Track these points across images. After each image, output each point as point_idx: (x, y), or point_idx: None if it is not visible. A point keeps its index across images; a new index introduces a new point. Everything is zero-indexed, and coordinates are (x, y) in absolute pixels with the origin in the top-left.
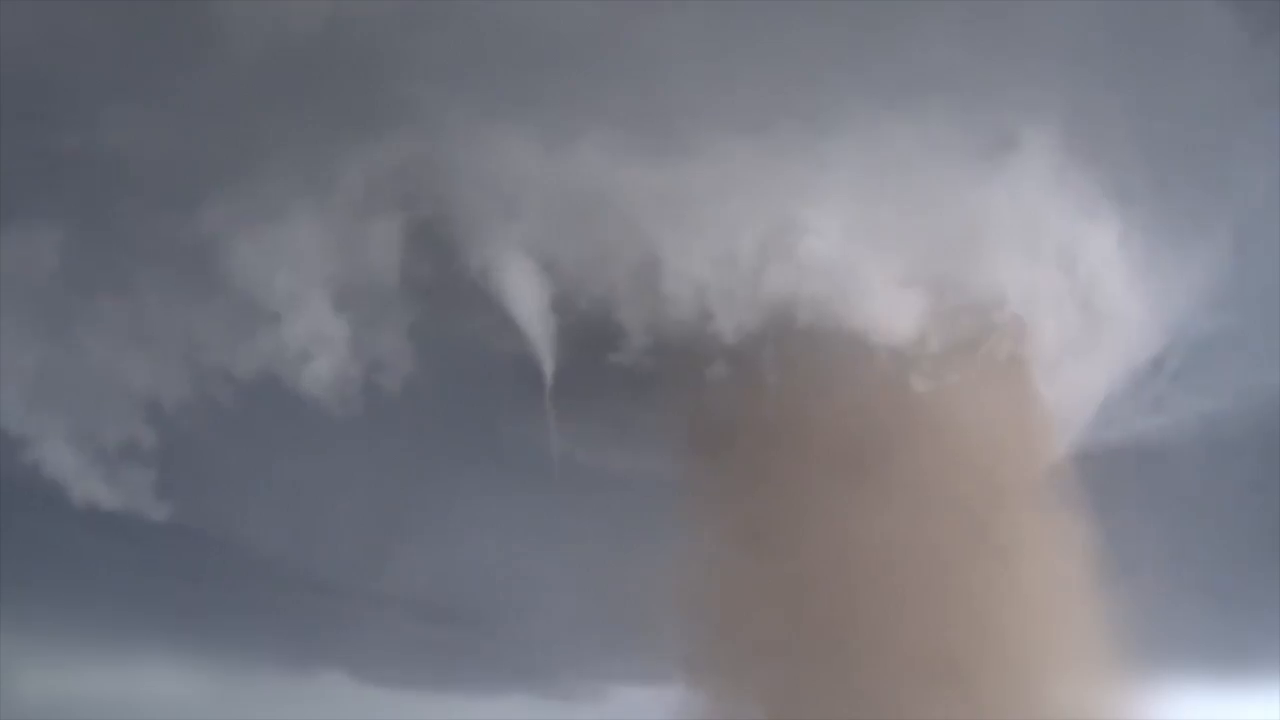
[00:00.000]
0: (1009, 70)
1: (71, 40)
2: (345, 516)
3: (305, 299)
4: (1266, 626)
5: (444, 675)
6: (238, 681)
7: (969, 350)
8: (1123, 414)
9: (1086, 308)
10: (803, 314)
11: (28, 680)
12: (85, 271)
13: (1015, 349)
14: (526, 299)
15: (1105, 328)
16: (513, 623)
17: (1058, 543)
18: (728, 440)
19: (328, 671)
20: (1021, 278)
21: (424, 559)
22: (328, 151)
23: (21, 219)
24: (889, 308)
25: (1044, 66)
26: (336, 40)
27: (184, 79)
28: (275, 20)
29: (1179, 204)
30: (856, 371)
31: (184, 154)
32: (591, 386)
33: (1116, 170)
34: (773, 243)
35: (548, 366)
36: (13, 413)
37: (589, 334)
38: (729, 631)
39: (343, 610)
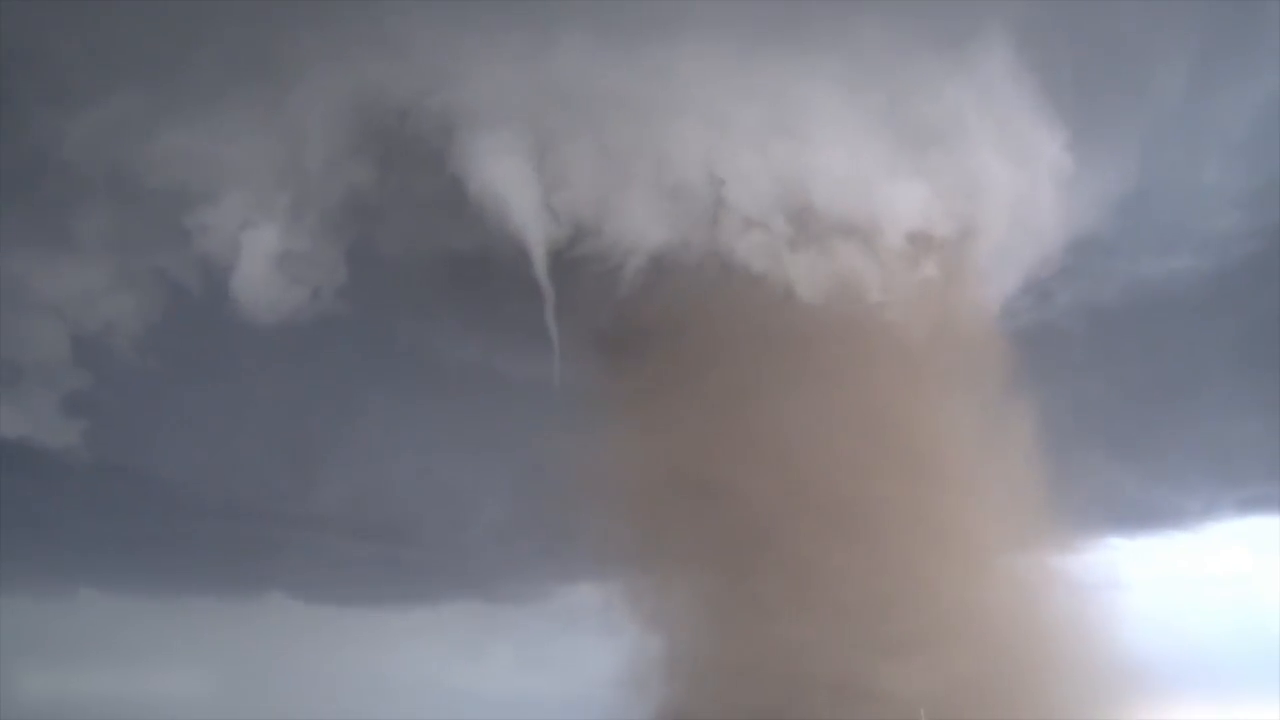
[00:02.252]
0: None
1: None
2: (272, 438)
3: (241, 196)
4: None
5: (387, 589)
6: (180, 610)
7: (933, 244)
8: (1028, 303)
9: (1027, 204)
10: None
11: None
12: None
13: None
14: (512, 198)
15: (1033, 226)
16: (451, 533)
17: (991, 415)
18: (674, 338)
19: (267, 593)
20: (974, 169)
21: (355, 476)
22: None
23: None
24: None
25: None
26: None
27: None
28: None
29: (1100, 117)
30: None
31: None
32: (571, 286)
33: (1057, 84)
34: (773, 122)
35: (539, 262)
36: None
37: (578, 233)
38: (665, 525)
39: (276, 535)
